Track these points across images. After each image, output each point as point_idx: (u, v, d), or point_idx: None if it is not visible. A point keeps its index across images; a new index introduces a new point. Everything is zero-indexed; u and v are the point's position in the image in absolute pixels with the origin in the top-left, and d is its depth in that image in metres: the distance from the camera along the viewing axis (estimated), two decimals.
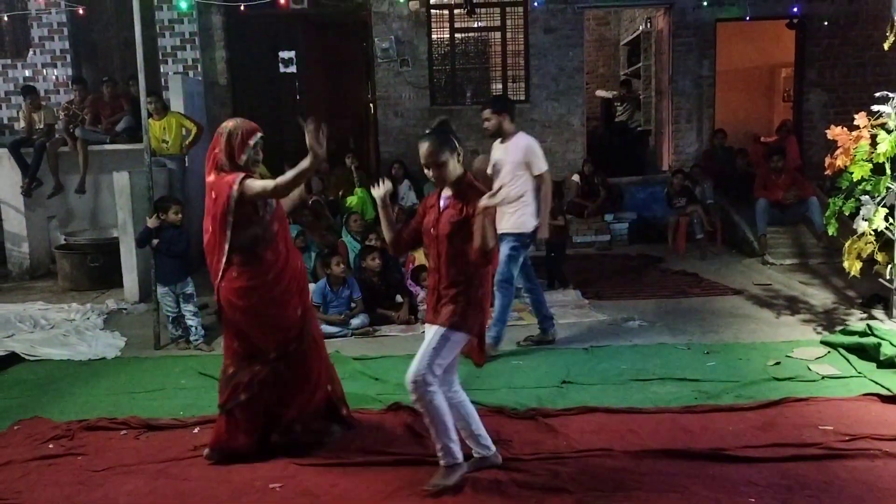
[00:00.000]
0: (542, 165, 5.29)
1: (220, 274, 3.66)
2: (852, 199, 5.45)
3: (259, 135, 3.73)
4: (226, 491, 3.44)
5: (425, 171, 3.41)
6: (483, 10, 10.44)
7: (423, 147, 3.37)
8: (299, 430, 3.83)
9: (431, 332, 3.40)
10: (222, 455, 3.74)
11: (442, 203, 3.43)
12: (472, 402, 3.60)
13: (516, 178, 5.21)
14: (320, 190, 9.57)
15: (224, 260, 3.64)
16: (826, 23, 10.29)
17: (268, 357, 3.73)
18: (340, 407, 4.03)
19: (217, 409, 3.81)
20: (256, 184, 3.60)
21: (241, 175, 3.61)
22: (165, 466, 3.70)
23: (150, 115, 6.86)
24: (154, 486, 3.52)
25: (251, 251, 3.65)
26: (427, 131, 3.47)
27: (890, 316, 5.82)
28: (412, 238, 3.62)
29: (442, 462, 3.41)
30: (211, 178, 3.68)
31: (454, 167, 3.38)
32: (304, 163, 3.47)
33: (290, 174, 3.52)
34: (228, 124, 3.73)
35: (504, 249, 5.17)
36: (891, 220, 5.43)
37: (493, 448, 3.57)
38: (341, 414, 4.02)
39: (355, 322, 6.16)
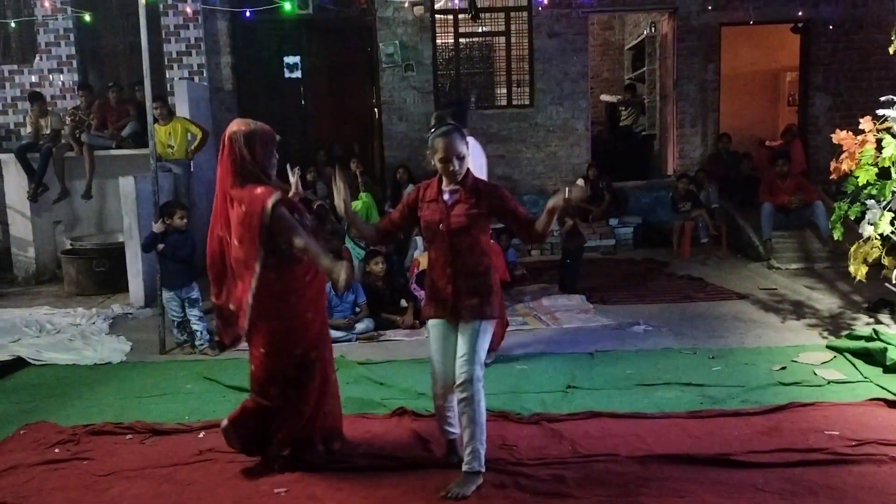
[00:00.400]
0: (476, 174, 5.00)
1: (256, 281, 3.45)
2: (858, 204, 5.43)
3: (278, 138, 3.62)
4: (231, 496, 3.44)
5: (444, 165, 3.38)
6: (487, 15, 10.46)
7: (445, 141, 3.37)
8: (287, 453, 3.67)
9: (452, 328, 3.43)
10: (234, 430, 3.62)
11: (447, 197, 3.44)
12: None
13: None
14: (325, 195, 9.58)
15: (259, 266, 3.44)
16: (831, 27, 10.29)
17: (287, 373, 3.58)
18: (316, 443, 3.73)
19: (222, 414, 3.80)
20: (288, 222, 3.41)
21: (277, 195, 3.43)
22: (171, 471, 3.70)
23: (155, 121, 6.89)
24: (159, 490, 3.52)
25: (290, 252, 3.49)
26: (436, 129, 3.45)
27: None
28: (395, 228, 3.63)
29: (466, 468, 3.38)
30: (235, 189, 3.47)
31: (468, 159, 3.45)
32: (331, 269, 3.33)
33: (316, 255, 3.37)
34: (241, 128, 3.51)
35: None
36: None
37: None
38: (316, 447, 3.73)
39: (360, 327, 6.17)
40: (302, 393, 3.61)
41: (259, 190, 3.44)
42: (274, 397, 3.60)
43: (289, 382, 3.60)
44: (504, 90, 10.74)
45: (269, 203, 3.40)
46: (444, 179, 3.46)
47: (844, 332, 5.58)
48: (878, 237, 5.28)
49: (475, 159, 4.97)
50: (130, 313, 7.19)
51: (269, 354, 3.57)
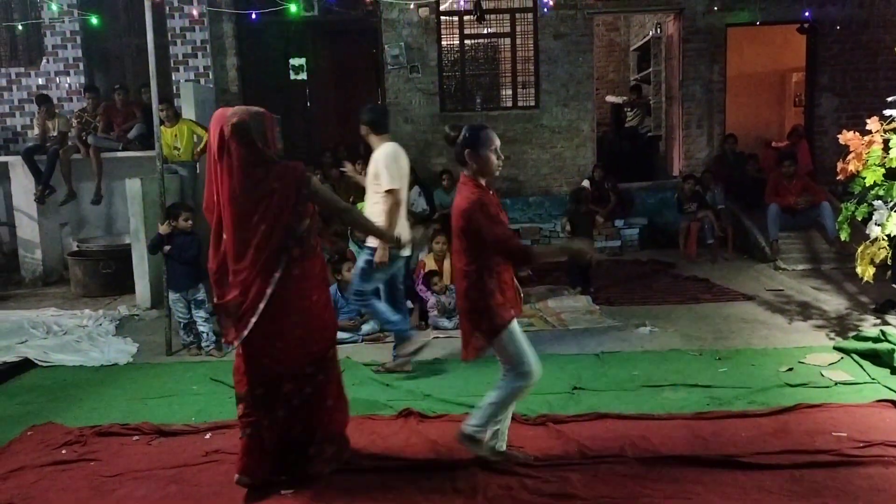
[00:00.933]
0: (386, 182, 4.91)
1: (279, 273, 3.31)
2: (865, 204, 5.42)
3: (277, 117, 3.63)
4: (237, 497, 3.44)
5: (498, 159, 3.47)
6: (493, 17, 10.46)
7: (494, 134, 3.50)
8: (314, 453, 3.58)
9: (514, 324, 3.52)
10: (255, 478, 3.46)
11: (495, 198, 3.53)
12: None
13: (373, 192, 5.01)
14: None
15: (283, 258, 3.33)
16: (837, 27, 10.26)
17: (303, 371, 3.49)
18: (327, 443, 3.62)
19: (229, 415, 3.79)
20: (326, 192, 3.48)
21: (308, 170, 3.47)
22: (177, 472, 3.71)
23: (161, 123, 6.90)
24: (166, 491, 3.53)
25: (308, 242, 3.42)
26: (468, 129, 3.48)
27: None
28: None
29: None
30: (260, 169, 3.30)
31: None
32: (383, 234, 3.76)
33: (365, 221, 3.65)
34: (244, 116, 3.34)
35: (359, 262, 5.16)
36: None
37: None
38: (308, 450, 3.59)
39: (366, 328, 6.17)
40: (318, 391, 3.54)
41: (293, 166, 3.41)
42: (289, 393, 3.47)
43: (305, 378, 3.51)
44: (509, 91, 10.76)
45: (308, 173, 3.42)
46: (485, 181, 3.46)
47: (852, 334, 5.56)
48: (886, 238, 5.26)
49: (385, 168, 4.94)
50: (137, 315, 7.21)
51: (287, 350, 3.43)
